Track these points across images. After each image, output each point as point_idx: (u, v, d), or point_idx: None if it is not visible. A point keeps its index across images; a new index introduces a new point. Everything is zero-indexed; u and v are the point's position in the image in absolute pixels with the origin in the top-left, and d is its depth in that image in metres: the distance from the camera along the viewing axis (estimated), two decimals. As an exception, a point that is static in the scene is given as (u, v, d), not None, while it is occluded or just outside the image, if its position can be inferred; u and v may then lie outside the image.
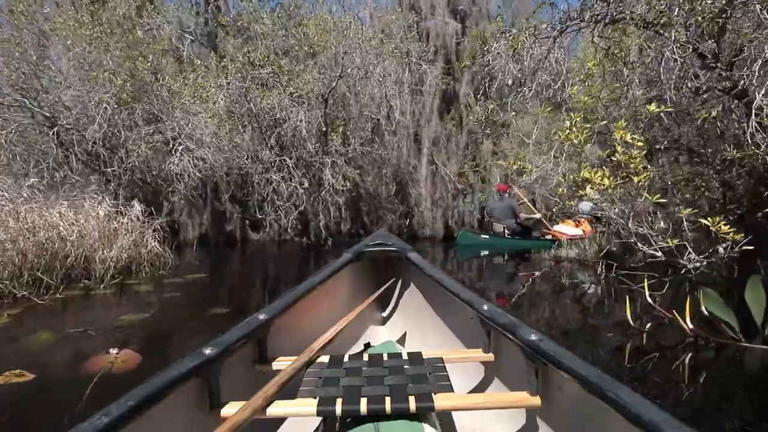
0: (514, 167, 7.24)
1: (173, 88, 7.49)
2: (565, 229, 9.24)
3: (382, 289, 2.20)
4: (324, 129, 9.07)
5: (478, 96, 12.17)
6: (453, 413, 1.46)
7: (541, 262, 7.27)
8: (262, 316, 1.44)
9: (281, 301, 1.59)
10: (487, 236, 9.08)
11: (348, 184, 8.51)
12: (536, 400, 1.19)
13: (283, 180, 8.65)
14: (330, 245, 9.15)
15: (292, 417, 1.31)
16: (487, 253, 8.61)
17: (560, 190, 6.48)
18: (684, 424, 0.80)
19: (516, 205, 9.35)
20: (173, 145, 7.68)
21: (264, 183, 8.79)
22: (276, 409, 1.14)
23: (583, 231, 9.07)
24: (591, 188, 5.27)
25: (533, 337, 1.19)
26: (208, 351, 1.16)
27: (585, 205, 9.77)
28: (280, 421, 1.43)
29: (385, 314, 2.38)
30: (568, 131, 5.60)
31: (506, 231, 9.00)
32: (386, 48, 9.32)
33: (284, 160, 8.58)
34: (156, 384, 1.00)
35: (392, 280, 2.36)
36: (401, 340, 2.13)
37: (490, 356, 1.51)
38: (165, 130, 7.41)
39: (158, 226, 6.31)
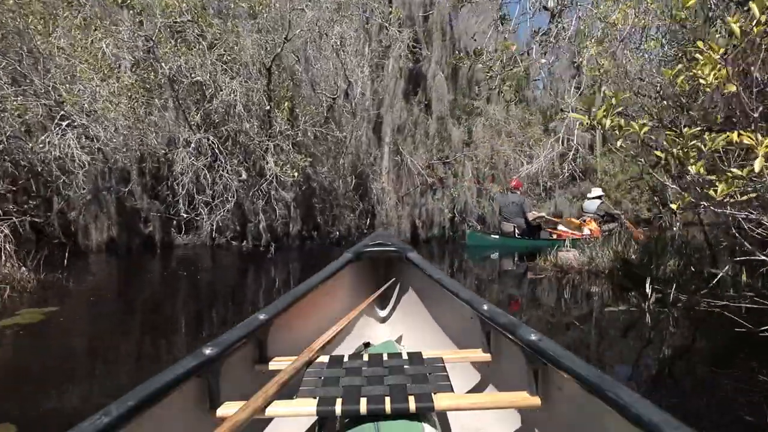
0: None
1: (45, 34, 5.39)
2: (570, 229, 8.74)
3: (382, 289, 2.18)
4: (267, 107, 7.23)
5: (449, 77, 10.69)
6: (453, 413, 1.42)
7: (543, 271, 5.83)
8: (262, 316, 1.43)
9: (281, 301, 1.58)
10: (497, 236, 8.50)
11: (297, 175, 6.69)
12: (536, 400, 1.17)
13: (212, 169, 6.73)
14: (273, 251, 7.25)
15: (292, 417, 1.32)
16: (497, 255, 7.99)
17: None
18: (684, 424, 0.79)
19: (527, 203, 8.80)
20: (57, 120, 5.60)
21: (189, 173, 6.81)
22: (276, 409, 1.13)
23: (590, 231, 8.46)
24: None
25: (533, 337, 1.18)
26: (208, 351, 1.15)
27: (591, 204, 9.16)
28: (280, 421, 1.40)
29: (384, 314, 2.34)
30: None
31: (516, 230, 8.43)
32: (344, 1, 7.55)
33: (213, 143, 6.65)
34: (156, 384, 0.98)
35: (392, 280, 2.30)
36: (401, 340, 2.09)
37: (490, 356, 1.49)
38: (39, 94, 5.30)
39: (19, 228, 4.29)
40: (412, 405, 1.11)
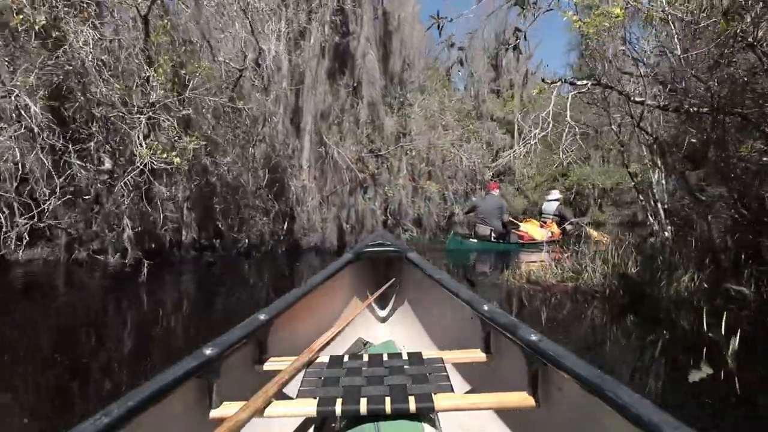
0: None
1: None
2: (533, 231, 8.54)
3: (382, 289, 2.15)
4: (147, 73, 5.23)
5: (380, 58, 9.25)
6: (453, 413, 1.36)
7: (514, 289, 4.54)
8: (262, 316, 1.43)
9: (281, 302, 1.57)
10: (475, 241, 7.93)
11: (180, 162, 4.73)
12: (536, 400, 1.17)
13: (57, 154, 4.62)
14: (146, 272, 5.10)
15: (292, 417, 1.32)
16: (473, 261, 7.47)
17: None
18: (684, 424, 0.79)
19: (505, 204, 8.36)
20: None
21: (9, 160, 4.61)
22: (276, 409, 1.14)
23: (552, 233, 8.37)
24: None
25: (533, 338, 1.18)
26: (208, 351, 1.15)
27: (550, 206, 9.06)
28: (280, 421, 1.36)
29: (384, 314, 2.32)
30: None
31: (493, 234, 7.92)
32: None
33: (58, 113, 4.55)
34: (156, 384, 0.98)
35: (392, 280, 2.25)
36: (401, 340, 2.05)
37: (490, 356, 1.48)
38: None
39: None
40: (412, 405, 1.11)
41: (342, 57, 8.81)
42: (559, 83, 4.02)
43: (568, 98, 4.48)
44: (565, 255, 4.63)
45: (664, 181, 4.61)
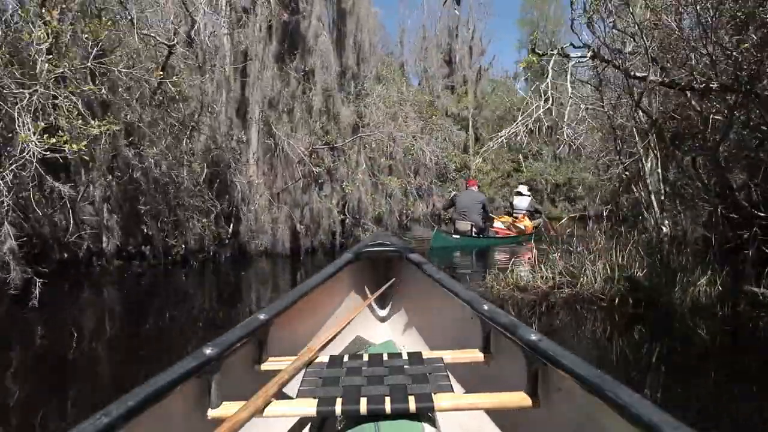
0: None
1: None
2: (506, 226, 8.59)
3: (382, 289, 2.16)
4: (45, 43, 4.12)
5: (335, 41, 8.41)
6: (453, 413, 1.35)
7: (503, 299, 3.87)
8: (262, 316, 1.42)
9: (281, 302, 1.56)
10: (458, 236, 7.80)
11: (81, 149, 3.60)
12: (536, 400, 1.17)
13: None
14: (38, 293, 3.81)
15: (292, 417, 1.34)
16: (458, 254, 7.42)
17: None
18: (684, 424, 0.79)
19: (485, 199, 8.27)
20: None
21: None
22: (276, 409, 1.13)
23: (525, 227, 8.46)
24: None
25: (533, 337, 1.17)
26: (208, 351, 1.15)
27: (522, 201, 9.08)
28: (280, 421, 1.37)
29: (384, 314, 2.30)
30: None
31: (474, 228, 7.83)
32: None
33: None
34: (156, 384, 0.98)
35: (392, 280, 2.25)
36: (401, 340, 2.05)
37: (490, 356, 1.48)
38: None
39: None
40: (412, 405, 1.11)
41: (292, 38, 7.88)
42: (554, 54, 3.39)
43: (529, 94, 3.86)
44: (557, 255, 4.02)
45: (660, 170, 4.09)
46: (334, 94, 7.77)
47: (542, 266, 4.01)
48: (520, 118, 3.37)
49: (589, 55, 3.44)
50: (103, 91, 4.33)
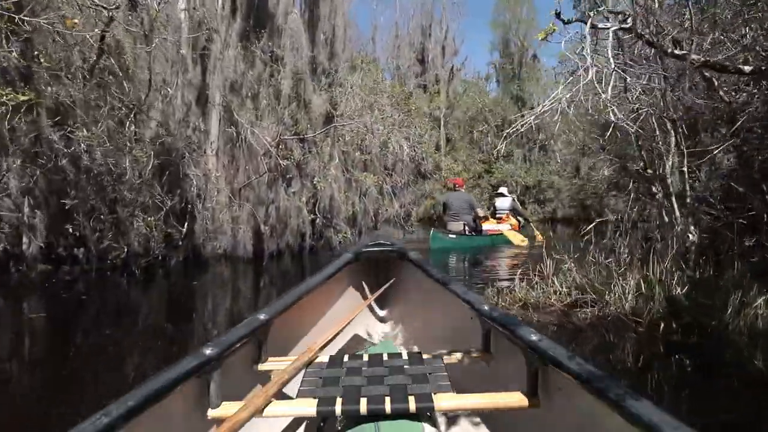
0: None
1: None
2: (494, 225, 8.49)
3: (382, 289, 2.14)
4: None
5: (307, 21, 7.60)
6: (453, 413, 1.43)
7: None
8: (262, 316, 1.41)
9: (281, 302, 1.55)
10: (454, 236, 7.69)
11: None
12: (536, 400, 1.17)
13: None
14: None
15: (292, 417, 1.35)
16: (453, 259, 7.15)
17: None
18: (684, 424, 0.79)
19: (474, 199, 8.37)
20: None
21: None
22: (276, 409, 1.13)
23: (511, 225, 8.52)
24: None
25: (533, 337, 1.18)
26: (208, 351, 1.14)
27: (504, 202, 9.07)
28: (280, 421, 1.40)
29: (384, 314, 2.29)
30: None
31: (466, 228, 7.76)
32: None
33: None
34: (156, 384, 0.98)
35: (392, 280, 2.22)
36: (401, 340, 2.07)
37: (490, 356, 1.48)
38: None
39: None
40: (412, 405, 1.10)
41: (259, 15, 7.02)
42: (581, 21, 2.75)
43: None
44: (571, 266, 3.40)
45: (686, 169, 3.54)
46: (305, 78, 6.96)
47: (554, 279, 3.39)
48: (560, 88, 2.70)
49: (623, 21, 2.82)
50: (14, 53, 3.39)
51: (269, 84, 6.72)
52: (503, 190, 9.68)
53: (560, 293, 3.25)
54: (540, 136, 26.50)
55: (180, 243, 6.05)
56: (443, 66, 27.91)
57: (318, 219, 7.28)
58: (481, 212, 8.25)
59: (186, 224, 6.06)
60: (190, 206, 6.07)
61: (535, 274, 3.56)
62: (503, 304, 3.36)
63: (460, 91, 26.95)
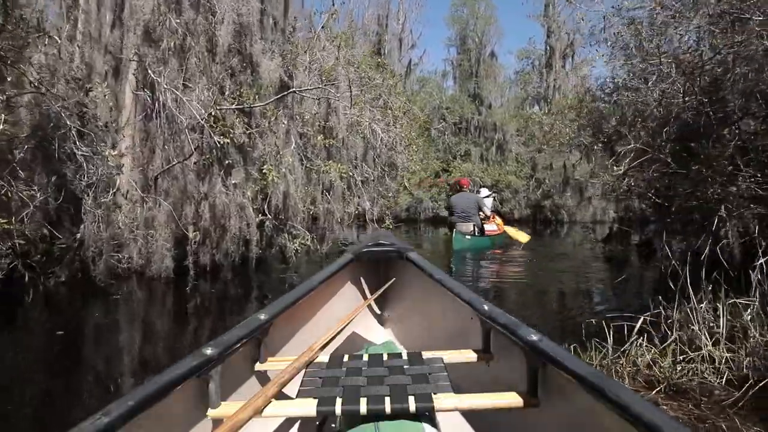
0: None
1: None
2: (490, 226, 8.24)
3: (383, 289, 2.11)
4: None
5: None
6: (453, 413, 1.38)
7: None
8: (262, 316, 1.41)
9: (281, 301, 1.54)
10: (469, 237, 7.46)
11: None
12: (536, 400, 1.17)
13: None
14: None
15: (292, 417, 1.35)
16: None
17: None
18: (683, 425, 0.81)
19: (481, 198, 8.22)
20: None
21: None
22: (276, 409, 1.13)
23: (497, 225, 8.51)
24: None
25: (533, 337, 1.17)
26: (208, 351, 1.14)
27: (487, 201, 8.77)
28: (280, 421, 1.41)
29: (385, 314, 2.28)
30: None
31: (476, 229, 7.57)
32: None
33: None
34: (156, 384, 0.98)
35: (392, 280, 2.19)
36: (401, 340, 2.06)
37: (490, 356, 1.47)
38: None
39: None
40: (412, 405, 1.10)
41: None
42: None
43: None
44: (749, 320, 1.91)
45: None
46: (252, 31, 5.14)
47: (702, 339, 1.88)
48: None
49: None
50: None
51: (202, 33, 4.85)
52: (483, 191, 9.67)
53: (720, 371, 1.75)
54: (497, 135, 25.96)
55: (63, 257, 4.09)
56: (400, 60, 26.54)
57: (268, 221, 5.51)
58: (489, 212, 8.18)
59: (74, 229, 4.11)
60: (78, 202, 4.12)
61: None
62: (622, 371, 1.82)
63: (416, 87, 25.77)
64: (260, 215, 5.38)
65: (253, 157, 5.24)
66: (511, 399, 1.17)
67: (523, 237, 8.17)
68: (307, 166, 5.87)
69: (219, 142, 4.54)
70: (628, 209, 6.42)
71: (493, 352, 1.46)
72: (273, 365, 1.41)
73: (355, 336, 1.98)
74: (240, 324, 1.32)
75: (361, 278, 2.21)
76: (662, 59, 3.45)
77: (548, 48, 27.57)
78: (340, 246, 6.39)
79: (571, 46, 27.51)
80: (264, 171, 5.29)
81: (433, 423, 1.12)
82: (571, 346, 2.17)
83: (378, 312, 2.27)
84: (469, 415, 1.43)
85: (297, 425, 1.40)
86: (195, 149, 4.47)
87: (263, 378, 1.34)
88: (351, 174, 6.25)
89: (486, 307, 1.43)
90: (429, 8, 41.38)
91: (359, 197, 6.59)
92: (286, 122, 5.59)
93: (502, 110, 26.55)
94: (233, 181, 5.02)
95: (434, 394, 1.14)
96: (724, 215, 3.25)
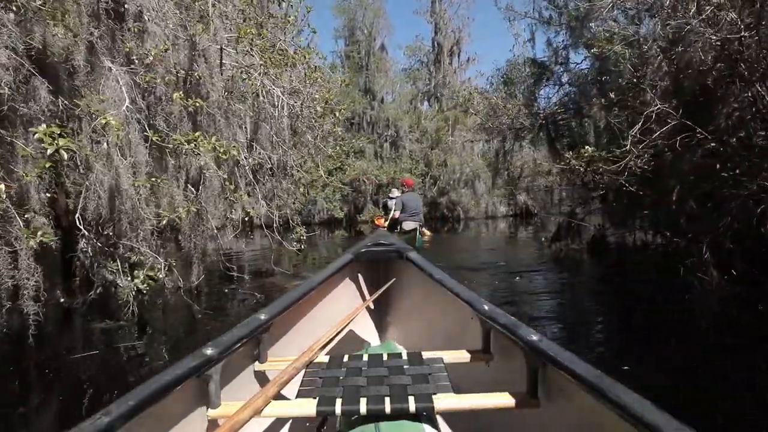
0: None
1: None
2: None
3: (383, 289, 2.09)
4: None
5: None
6: (453, 413, 1.39)
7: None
8: (262, 317, 1.40)
9: (281, 302, 1.53)
10: (422, 236, 7.88)
11: None
12: (536, 401, 1.17)
13: None
14: None
15: (292, 417, 1.35)
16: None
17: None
18: (684, 425, 0.78)
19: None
20: None
21: None
22: (276, 409, 1.13)
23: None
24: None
25: (533, 337, 1.17)
26: (208, 351, 1.14)
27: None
28: (280, 420, 1.40)
29: (385, 314, 2.26)
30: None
31: (419, 227, 7.86)
32: None
33: None
34: (157, 384, 0.97)
35: (392, 281, 2.18)
36: (401, 340, 2.04)
37: (490, 356, 1.47)
38: None
39: None
40: (412, 405, 1.09)
41: None
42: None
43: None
44: None
45: None
46: None
47: None
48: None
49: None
50: None
51: None
52: (395, 192, 10.11)
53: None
54: (390, 132, 24.79)
55: None
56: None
57: (82, 241, 2.96)
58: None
59: None
60: None
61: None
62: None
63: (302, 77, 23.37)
64: (58, 232, 2.82)
65: (35, 119, 2.66)
66: (511, 399, 1.16)
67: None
68: (157, 141, 3.40)
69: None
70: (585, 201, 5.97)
71: (493, 352, 1.45)
72: (273, 365, 1.41)
73: (355, 336, 1.96)
74: (240, 324, 1.30)
75: (361, 278, 2.20)
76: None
77: (436, 45, 27.20)
78: (223, 270, 4.02)
79: (457, 44, 27.45)
80: (64, 148, 2.74)
81: (433, 423, 1.11)
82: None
83: (378, 312, 2.23)
84: (469, 415, 1.33)
85: (297, 425, 1.41)
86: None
87: (263, 378, 1.34)
88: (235, 156, 3.89)
89: (486, 307, 1.42)
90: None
91: (249, 194, 4.24)
92: (111, 61, 3.08)
93: (394, 105, 25.47)
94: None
95: (434, 394, 1.14)
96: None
